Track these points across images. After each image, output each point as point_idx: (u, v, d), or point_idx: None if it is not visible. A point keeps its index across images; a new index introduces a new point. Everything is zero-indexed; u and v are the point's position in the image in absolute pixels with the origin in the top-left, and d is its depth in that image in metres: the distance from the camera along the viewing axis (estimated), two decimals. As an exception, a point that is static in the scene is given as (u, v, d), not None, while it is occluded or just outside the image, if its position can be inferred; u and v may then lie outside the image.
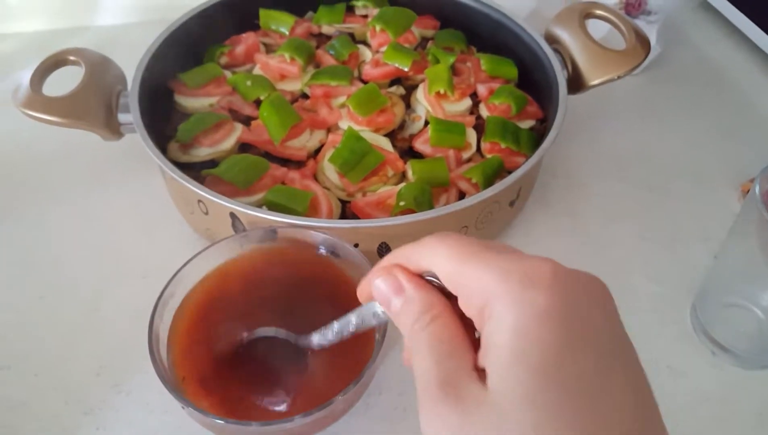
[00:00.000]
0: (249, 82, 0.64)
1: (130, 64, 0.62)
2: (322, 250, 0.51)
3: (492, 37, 0.72)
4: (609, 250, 0.61)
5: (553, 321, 0.23)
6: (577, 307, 0.24)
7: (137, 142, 0.57)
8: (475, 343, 0.26)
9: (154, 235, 0.61)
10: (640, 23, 0.76)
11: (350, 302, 0.47)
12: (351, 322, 0.35)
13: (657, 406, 0.24)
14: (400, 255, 0.29)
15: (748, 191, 0.62)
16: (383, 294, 0.29)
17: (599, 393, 0.23)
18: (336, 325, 0.37)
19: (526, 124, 0.64)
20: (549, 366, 0.23)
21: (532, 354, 0.23)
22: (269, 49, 0.72)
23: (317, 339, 0.40)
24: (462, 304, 0.27)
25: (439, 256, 0.27)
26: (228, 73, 0.67)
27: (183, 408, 0.41)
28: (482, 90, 0.66)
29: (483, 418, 0.23)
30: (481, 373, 0.25)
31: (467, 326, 0.27)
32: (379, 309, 0.32)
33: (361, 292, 0.32)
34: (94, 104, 0.58)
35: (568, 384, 0.22)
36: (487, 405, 0.23)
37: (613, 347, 0.24)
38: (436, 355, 0.26)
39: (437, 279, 0.28)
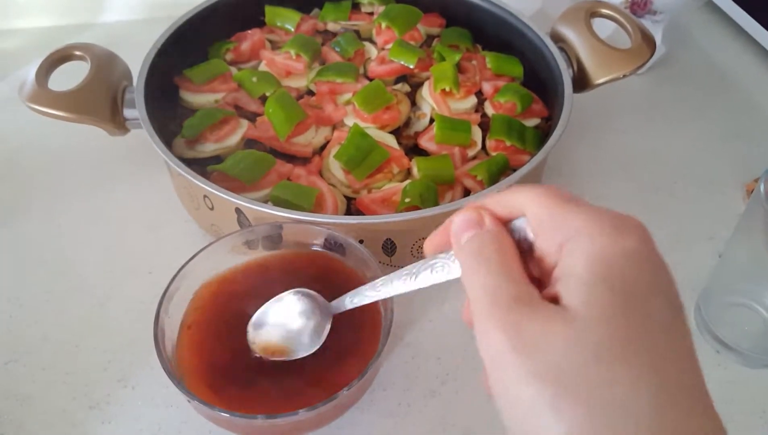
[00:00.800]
0: (255, 79, 0.64)
1: (136, 60, 0.63)
2: (328, 247, 0.51)
3: (497, 36, 0.72)
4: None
5: (640, 263, 0.24)
6: (659, 266, 0.25)
7: (142, 138, 0.57)
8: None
9: (160, 232, 0.62)
10: (646, 23, 0.76)
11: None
12: (406, 273, 0.33)
13: (704, 379, 0.25)
14: (488, 199, 0.29)
15: (752, 191, 0.62)
16: (459, 227, 0.28)
17: (667, 338, 0.24)
18: (390, 277, 0.35)
19: (531, 122, 0.64)
20: (631, 297, 0.24)
21: (617, 282, 0.24)
22: (274, 46, 0.72)
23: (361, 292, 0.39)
24: (541, 243, 0.27)
25: (529, 198, 0.28)
26: (233, 70, 0.67)
27: (189, 401, 0.41)
28: (487, 88, 0.66)
29: (561, 328, 0.23)
30: (551, 301, 0.25)
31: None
32: (440, 261, 0.31)
33: (430, 242, 0.32)
34: (100, 99, 0.58)
35: (646, 318, 0.23)
36: (565, 319, 0.24)
37: (676, 307, 0.25)
38: (508, 273, 0.26)
39: (521, 228, 0.28)
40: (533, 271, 0.28)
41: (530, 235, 0.28)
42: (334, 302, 0.43)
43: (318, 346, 0.43)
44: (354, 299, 0.40)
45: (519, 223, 0.28)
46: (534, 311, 0.24)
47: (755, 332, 0.52)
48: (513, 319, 0.24)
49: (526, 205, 0.28)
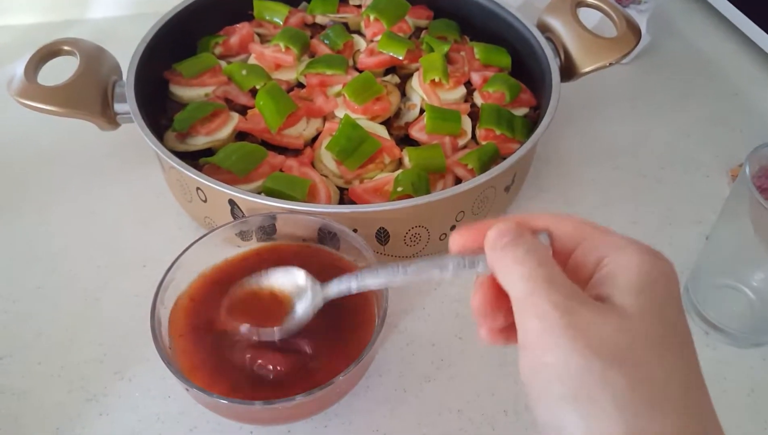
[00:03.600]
0: (245, 72, 0.64)
1: (124, 55, 0.63)
2: (321, 237, 0.51)
3: (485, 27, 0.73)
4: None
5: (674, 285, 0.29)
6: (679, 298, 0.30)
7: (132, 133, 0.57)
8: None
9: (152, 225, 0.62)
10: (631, 12, 0.77)
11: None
12: (438, 266, 0.34)
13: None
14: (518, 216, 0.33)
15: (737, 176, 0.64)
16: (498, 233, 0.31)
17: (688, 343, 0.28)
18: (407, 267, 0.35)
19: (520, 111, 0.65)
20: (666, 308, 0.28)
21: (657, 294, 0.28)
22: (263, 39, 0.72)
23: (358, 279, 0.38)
24: (578, 255, 0.31)
25: (555, 220, 0.32)
26: (223, 64, 0.67)
27: (187, 390, 0.42)
28: (476, 78, 0.67)
29: (614, 317, 0.27)
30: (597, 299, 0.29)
31: None
32: (453, 261, 0.33)
33: (456, 241, 0.33)
34: (90, 93, 0.58)
35: (676, 326, 0.28)
36: (616, 311, 0.27)
37: (689, 330, 0.29)
38: (557, 268, 0.29)
39: (547, 241, 0.31)
40: None
41: (549, 243, 0.31)
42: (330, 285, 0.41)
43: (305, 320, 0.43)
44: (346, 286, 0.39)
45: (542, 236, 0.31)
46: (586, 302, 0.28)
47: (742, 313, 0.53)
48: (570, 304, 0.27)
49: (551, 224, 0.32)
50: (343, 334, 0.46)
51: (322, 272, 0.50)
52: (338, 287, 0.40)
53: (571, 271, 0.30)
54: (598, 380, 0.26)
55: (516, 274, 0.29)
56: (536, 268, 0.29)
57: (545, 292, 0.28)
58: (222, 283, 0.49)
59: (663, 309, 0.28)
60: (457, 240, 0.33)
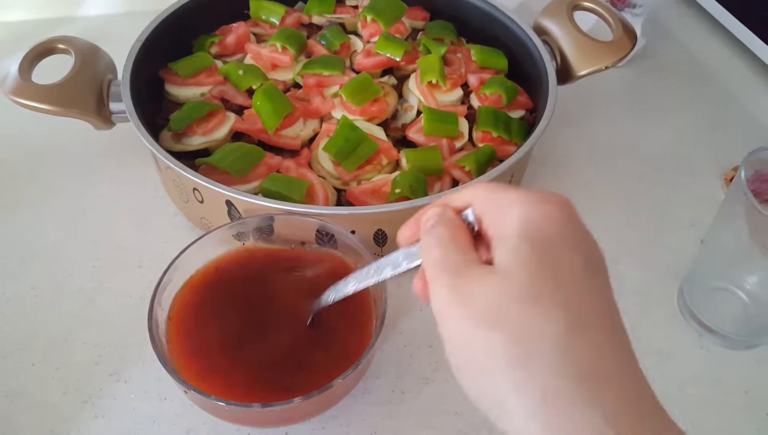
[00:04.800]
0: (241, 72, 0.64)
1: (118, 54, 0.62)
2: (319, 238, 0.51)
3: (481, 29, 0.73)
4: (597, 237, 0.61)
5: (559, 224, 0.29)
6: (577, 229, 0.30)
7: (128, 132, 0.57)
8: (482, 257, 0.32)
9: (148, 225, 0.61)
10: (625, 16, 0.77)
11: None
12: (391, 263, 0.37)
13: (624, 327, 0.29)
14: (445, 197, 0.35)
15: (731, 180, 0.64)
16: (426, 218, 0.33)
17: (576, 281, 0.28)
18: (373, 267, 0.38)
19: (517, 113, 0.65)
20: (547, 249, 0.28)
21: (537, 238, 0.28)
22: (259, 39, 0.72)
23: (341, 287, 0.42)
24: (486, 220, 0.31)
25: (476, 191, 0.33)
26: (219, 63, 0.67)
27: (185, 392, 0.41)
28: (473, 80, 0.67)
29: (490, 279, 0.28)
30: (487, 264, 0.30)
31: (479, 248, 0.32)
32: (413, 249, 0.35)
33: (402, 233, 0.36)
34: (85, 92, 0.58)
35: (559, 270, 0.28)
36: (493, 272, 0.28)
37: (592, 264, 0.29)
38: (454, 245, 0.31)
39: (468, 214, 0.33)
40: (482, 249, 0.32)
41: (473, 218, 0.33)
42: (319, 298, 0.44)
43: None
44: (333, 295, 0.43)
45: (468, 212, 0.33)
46: (472, 272, 0.29)
47: (736, 315, 0.54)
48: (455, 281, 0.29)
49: (472, 196, 0.33)
50: (341, 336, 0.46)
51: (320, 274, 0.50)
52: (322, 301, 0.44)
53: (485, 240, 0.32)
54: (482, 343, 0.27)
55: (425, 261, 0.31)
56: (434, 252, 0.31)
57: (439, 275, 0.30)
58: (218, 283, 0.49)
59: (542, 256, 0.28)
60: (404, 232, 0.36)
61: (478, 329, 0.27)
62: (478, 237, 0.32)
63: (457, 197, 0.34)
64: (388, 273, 0.37)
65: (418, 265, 0.33)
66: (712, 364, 0.53)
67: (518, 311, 0.27)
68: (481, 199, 0.32)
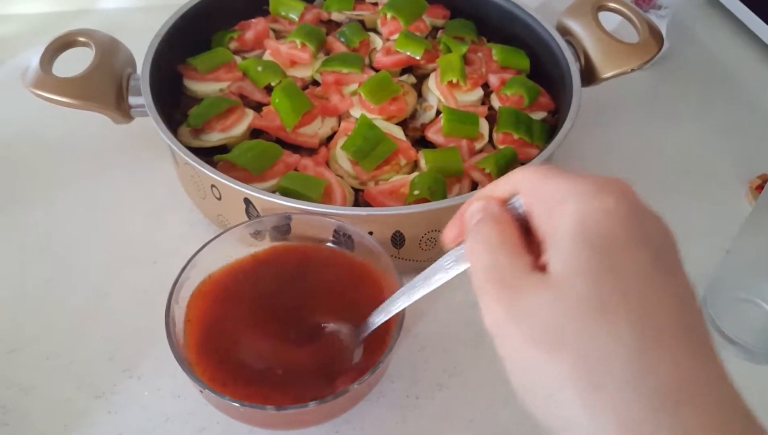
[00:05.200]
0: (260, 68, 0.64)
1: (136, 47, 0.62)
2: (336, 238, 0.51)
3: (503, 28, 0.72)
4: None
5: (621, 219, 0.25)
6: (643, 220, 0.26)
7: (145, 126, 0.57)
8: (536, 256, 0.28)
9: (164, 221, 0.61)
10: (650, 17, 0.76)
11: (365, 287, 0.47)
12: (439, 269, 0.34)
13: (705, 327, 0.25)
14: (489, 186, 0.32)
15: (756, 188, 0.63)
16: (469, 215, 0.30)
17: (647, 287, 0.24)
18: (420, 278, 0.36)
19: (538, 115, 0.64)
20: (610, 252, 0.25)
21: (596, 239, 0.25)
22: (278, 35, 0.71)
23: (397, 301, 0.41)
24: (537, 215, 0.28)
25: (522, 176, 0.30)
26: (238, 59, 0.67)
27: (200, 391, 0.41)
28: (494, 80, 0.66)
29: (546, 291, 0.25)
30: (541, 269, 0.26)
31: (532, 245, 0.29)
32: (462, 251, 0.32)
33: (446, 235, 0.33)
34: (105, 86, 0.58)
35: (624, 276, 0.24)
36: (548, 282, 0.25)
37: (665, 261, 0.26)
38: (504, 247, 0.28)
39: (517, 205, 0.30)
40: (533, 247, 0.29)
41: (523, 210, 0.30)
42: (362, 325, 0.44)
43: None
44: (379, 317, 0.43)
45: (514, 201, 0.30)
46: (525, 282, 0.26)
47: (760, 328, 0.53)
48: (507, 294, 0.26)
49: (519, 183, 0.30)
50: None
51: (336, 275, 0.50)
52: (370, 325, 0.44)
53: (537, 233, 0.29)
54: (544, 366, 0.24)
55: (472, 268, 0.29)
56: (482, 257, 0.28)
57: (490, 287, 0.27)
58: (239, 283, 0.48)
59: (604, 261, 0.24)
60: (448, 234, 0.33)
61: (540, 352, 0.24)
62: (528, 232, 0.29)
63: (502, 185, 0.31)
64: (437, 281, 0.35)
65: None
66: (733, 377, 0.52)
67: (582, 329, 0.24)
68: (529, 187, 0.29)
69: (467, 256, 0.29)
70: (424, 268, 0.36)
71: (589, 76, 0.64)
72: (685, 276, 0.26)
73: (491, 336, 0.27)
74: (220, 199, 0.54)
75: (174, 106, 0.63)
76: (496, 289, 0.26)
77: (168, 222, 0.61)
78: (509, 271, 0.27)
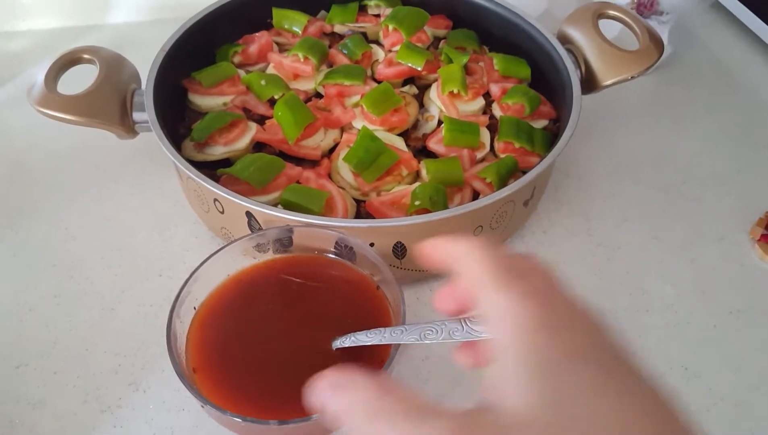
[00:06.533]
0: (263, 82, 0.64)
1: (143, 62, 0.63)
2: (338, 250, 0.51)
3: (504, 37, 0.72)
4: (622, 251, 0.61)
5: (546, 325, 0.25)
6: (571, 323, 0.26)
7: (151, 140, 0.57)
8: None
9: (169, 234, 0.62)
10: (652, 23, 0.76)
11: (367, 301, 0.48)
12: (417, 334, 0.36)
13: (675, 413, 0.24)
14: (436, 243, 0.31)
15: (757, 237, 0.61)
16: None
17: (602, 406, 0.23)
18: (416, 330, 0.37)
19: (539, 124, 0.64)
20: (550, 372, 0.24)
21: (531, 360, 0.24)
22: (282, 48, 0.72)
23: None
24: (479, 310, 0.28)
25: (466, 266, 0.29)
26: (241, 72, 0.67)
27: (202, 406, 0.41)
28: (495, 90, 0.66)
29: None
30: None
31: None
32: (459, 330, 0.33)
33: (441, 306, 0.32)
34: (109, 103, 0.58)
35: (573, 395, 0.23)
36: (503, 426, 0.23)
37: (610, 367, 0.25)
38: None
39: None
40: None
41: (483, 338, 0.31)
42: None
43: None
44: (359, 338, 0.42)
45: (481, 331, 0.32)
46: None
47: None
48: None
49: (462, 269, 0.29)
50: (363, 351, 0.46)
51: (337, 285, 0.50)
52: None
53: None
54: None
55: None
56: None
57: None
58: (238, 297, 0.49)
59: (549, 386, 0.23)
60: (443, 306, 0.32)
61: None
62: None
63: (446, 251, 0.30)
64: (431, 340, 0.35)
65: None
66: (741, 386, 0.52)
67: None
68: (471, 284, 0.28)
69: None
70: (425, 279, 0.36)
71: (590, 83, 0.64)
72: (631, 364, 0.25)
73: None
74: (223, 212, 0.54)
75: (178, 119, 0.64)
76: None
77: (173, 234, 0.62)
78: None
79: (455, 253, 0.30)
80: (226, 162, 0.59)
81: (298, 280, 0.50)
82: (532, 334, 0.25)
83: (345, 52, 0.69)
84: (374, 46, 0.72)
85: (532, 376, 0.24)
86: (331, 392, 0.27)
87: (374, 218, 0.54)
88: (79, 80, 0.59)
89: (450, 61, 0.68)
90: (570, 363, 0.24)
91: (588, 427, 0.22)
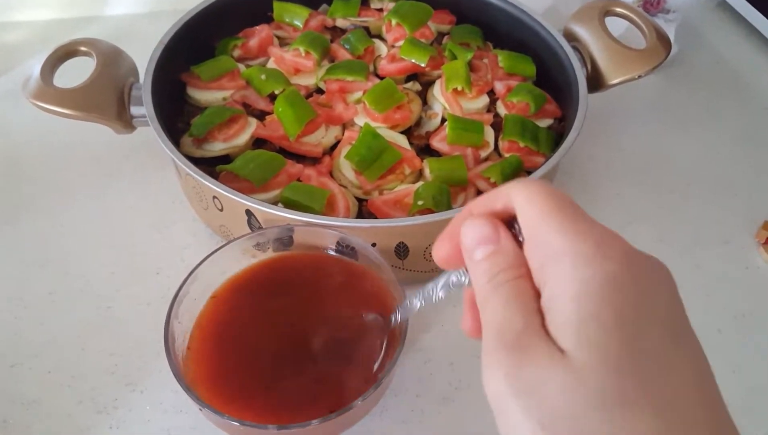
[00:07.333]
0: (263, 76, 0.63)
1: (141, 54, 0.61)
2: (339, 249, 0.50)
3: (509, 34, 0.71)
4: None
5: (626, 287, 0.23)
6: (648, 281, 0.24)
7: (149, 136, 0.56)
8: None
9: (167, 231, 0.61)
10: (658, 21, 0.75)
11: (369, 297, 0.47)
12: (434, 292, 0.34)
13: (717, 386, 0.24)
14: (483, 198, 0.29)
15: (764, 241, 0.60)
16: (472, 240, 0.27)
17: (668, 373, 0.23)
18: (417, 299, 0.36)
19: (544, 122, 0.63)
20: (624, 334, 0.23)
21: (605, 318, 0.23)
22: (283, 43, 0.71)
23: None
24: (527, 252, 0.26)
25: (523, 200, 0.27)
26: (241, 67, 0.66)
27: (200, 409, 0.41)
28: (500, 87, 0.65)
29: (558, 374, 0.23)
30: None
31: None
32: (459, 277, 0.31)
33: (438, 253, 0.30)
34: (106, 96, 0.57)
35: (640, 357, 0.22)
36: (559, 364, 0.23)
37: (677, 328, 0.24)
38: (518, 303, 0.25)
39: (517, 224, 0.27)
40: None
41: (522, 238, 0.27)
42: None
43: None
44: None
45: (516, 227, 0.28)
46: (534, 351, 0.24)
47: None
48: (514, 361, 0.24)
49: (519, 207, 0.27)
50: (361, 355, 0.45)
51: (339, 284, 0.49)
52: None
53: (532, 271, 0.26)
54: None
55: (485, 323, 0.26)
56: (496, 309, 0.25)
57: (497, 348, 0.24)
58: (239, 297, 0.48)
59: (617, 341, 0.22)
60: (440, 252, 0.30)
61: None
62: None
63: (501, 200, 0.28)
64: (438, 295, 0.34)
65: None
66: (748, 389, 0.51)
67: (602, 424, 0.22)
68: (528, 218, 0.26)
69: (482, 309, 0.27)
70: (428, 279, 0.35)
71: (596, 82, 0.63)
72: (696, 339, 0.25)
73: (490, 403, 0.25)
74: (222, 210, 0.53)
75: (177, 114, 0.63)
76: (503, 354, 0.24)
77: (171, 232, 0.61)
78: (521, 332, 0.24)
79: (504, 193, 0.28)
80: (226, 158, 0.58)
81: (298, 279, 0.49)
82: (609, 292, 0.23)
83: (347, 47, 0.68)
84: (377, 42, 0.70)
85: (608, 335, 0.23)
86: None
87: (376, 218, 0.53)
88: (75, 73, 0.58)
89: (454, 57, 0.67)
90: (641, 321, 0.23)
91: (658, 393, 0.22)
